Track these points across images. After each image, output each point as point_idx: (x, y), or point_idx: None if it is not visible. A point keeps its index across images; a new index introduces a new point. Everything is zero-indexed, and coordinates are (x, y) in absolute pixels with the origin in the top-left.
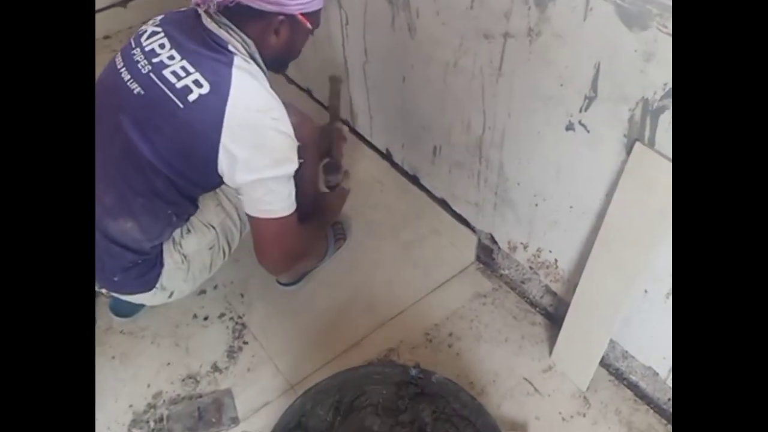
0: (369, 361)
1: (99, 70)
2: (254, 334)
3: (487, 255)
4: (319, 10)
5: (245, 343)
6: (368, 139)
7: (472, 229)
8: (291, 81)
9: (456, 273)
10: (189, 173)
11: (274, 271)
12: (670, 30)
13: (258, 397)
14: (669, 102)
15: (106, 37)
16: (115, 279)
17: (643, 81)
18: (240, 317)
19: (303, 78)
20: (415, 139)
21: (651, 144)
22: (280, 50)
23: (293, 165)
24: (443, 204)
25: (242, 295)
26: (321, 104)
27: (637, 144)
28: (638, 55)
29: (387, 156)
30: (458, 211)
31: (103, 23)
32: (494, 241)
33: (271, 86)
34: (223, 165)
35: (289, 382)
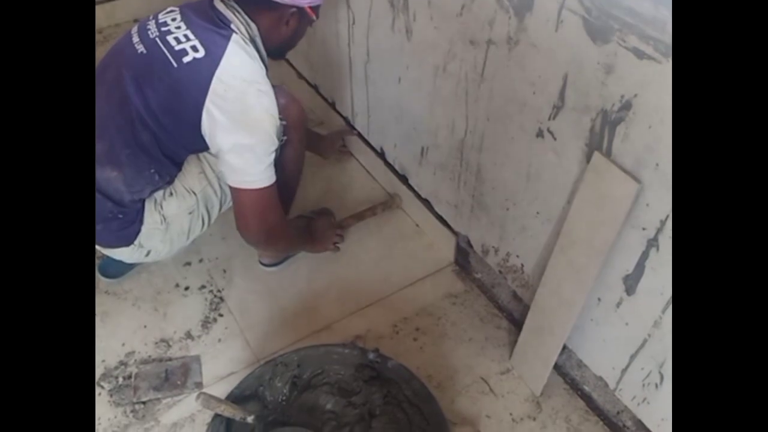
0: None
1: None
2: (230, 308)
3: (463, 258)
4: (320, 4)
5: (220, 315)
6: (365, 137)
7: (453, 230)
8: (301, 76)
9: (432, 272)
10: (174, 130)
11: (254, 243)
12: (629, 45)
13: (225, 366)
14: (625, 114)
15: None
16: (98, 228)
17: (604, 93)
18: (219, 291)
19: (313, 75)
20: (407, 139)
21: (608, 154)
22: (287, 39)
23: (271, 140)
24: (427, 204)
25: (224, 271)
26: (326, 100)
27: (596, 153)
28: (600, 67)
29: (381, 154)
30: (440, 212)
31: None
32: (470, 245)
33: (283, 80)
34: (205, 126)
35: (256, 356)
